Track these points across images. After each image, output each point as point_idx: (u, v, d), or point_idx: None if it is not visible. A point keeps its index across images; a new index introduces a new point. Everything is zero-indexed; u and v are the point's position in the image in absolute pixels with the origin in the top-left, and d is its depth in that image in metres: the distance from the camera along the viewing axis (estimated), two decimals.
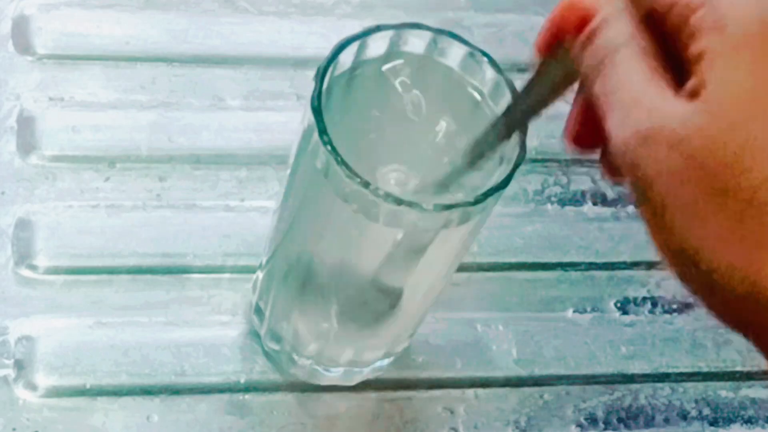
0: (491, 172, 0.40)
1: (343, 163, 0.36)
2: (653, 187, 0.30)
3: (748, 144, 0.29)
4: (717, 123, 0.30)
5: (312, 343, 0.47)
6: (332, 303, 0.45)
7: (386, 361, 0.50)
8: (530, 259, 0.56)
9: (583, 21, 0.33)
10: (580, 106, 0.35)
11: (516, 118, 0.38)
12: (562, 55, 0.34)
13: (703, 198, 0.29)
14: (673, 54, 0.32)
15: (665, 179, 0.30)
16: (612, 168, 0.36)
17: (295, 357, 0.49)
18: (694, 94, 0.30)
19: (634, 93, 0.31)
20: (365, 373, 0.50)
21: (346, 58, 0.39)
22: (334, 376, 0.49)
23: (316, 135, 0.37)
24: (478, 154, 0.39)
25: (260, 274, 0.48)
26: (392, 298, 0.45)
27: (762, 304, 0.29)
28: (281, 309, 0.47)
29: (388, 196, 0.36)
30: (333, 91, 0.38)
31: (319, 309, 0.46)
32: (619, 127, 0.31)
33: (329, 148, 0.36)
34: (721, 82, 0.30)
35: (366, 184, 0.36)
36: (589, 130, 0.35)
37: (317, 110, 0.37)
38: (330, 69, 0.38)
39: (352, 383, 0.50)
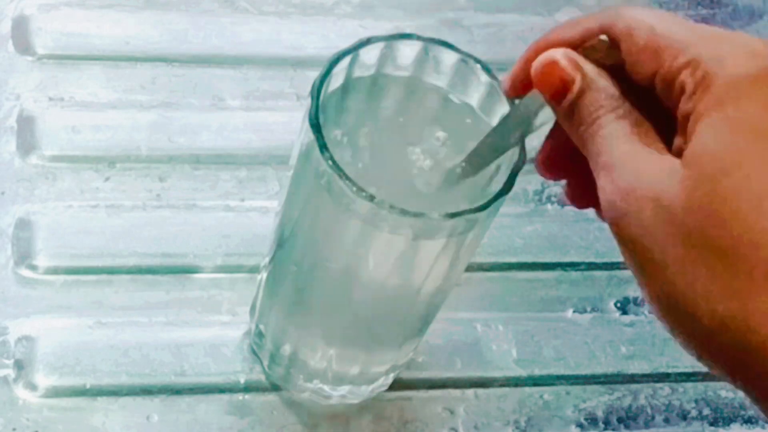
0: (489, 178, 0.40)
1: (346, 177, 0.36)
2: (637, 243, 0.30)
3: (725, 197, 0.29)
4: (695, 177, 0.30)
5: (317, 362, 0.47)
6: (335, 320, 0.45)
7: (391, 376, 0.50)
8: (530, 259, 0.56)
9: (562, 89, 0.33)
10: (552, 141, 0.36)
11: (483, 156, 0.39)
12: (535, 101, 0.35)
13: (685, 252, 0.29)
14: (664, 117, 0.32)
15: (648, 235, 0.30)
16: (580, 197, 0.37)
17: (300, 378, 0.49)
18: (678, 153, 0.31)
19: (620, 152, 0.31)
20: (371, 389, 0.50)
21: (339, 71, 0.39)
22: (339, 395, 0.49)
23: (316, 151, 0.37)
24: (459, 176, 0.39)
25: (259, 297, 0.48)
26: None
27: (750, 354, 0.29)
28: (283, 330, 0.47)
29: (393, 208, 0.36)
30: (326, 108, 0.38)
31: (322, 327, 0.46)
32: (604, 184, 0.31)
33: (331, 163, 0.36)
34: (702, 138, 0.30)
35: (371, 197, 0.36)
36: (557, 163, 0.36)
37: (317, 127, 0.37)
38: (324, 85, 0.38)
39: (358, 400, 0.50)
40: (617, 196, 0.31)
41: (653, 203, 0.30)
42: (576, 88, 0.33)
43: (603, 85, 0.33)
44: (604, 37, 0.33)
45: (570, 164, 0.36)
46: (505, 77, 0.37)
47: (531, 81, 0.35)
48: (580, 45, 0.34)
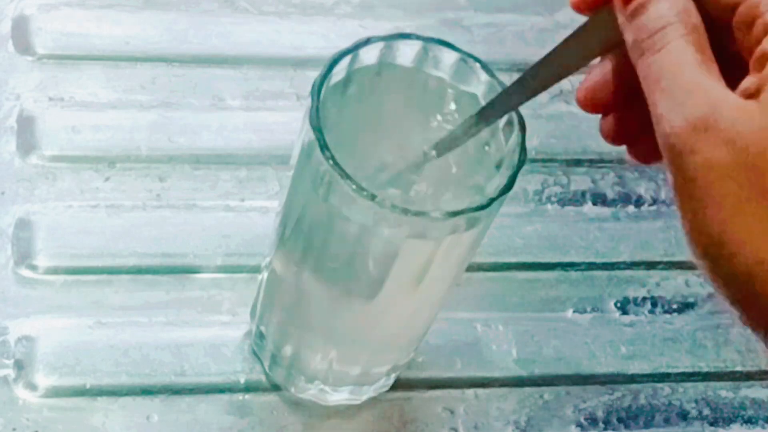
0: (489, 177, 0.40)
1: (347, 177, 0.36)
2: (699, 178, 0.30)
3: None
4: None
5: (318, 364, 0.47)
6: (336, 321, 0.45)
7: (392, 377, 0.50)
8: (530, 259, 0.56)
9: None
10: (604, 69, 0.35)
11: (544, 78, 0.36)
12: (605, 18, 0.33)
13: (749, 195, 0.29)
14: (722, 50, 0.32)
15: (714, 172, 0.30)
16: (617, 133, 0.35)
17: (301, 380, 0.49)
18: (753, 94, 0.30)
19: (688, 80, 0.30)
20: (372, 390, 0.50)
21: (339, 71, 0.39)
22: (341, 396, 0.49)
23: (317, 151, 0.37)
24: (491, 111, 0.38)
25: (260, 297, 0.48)
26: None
27: None
28: (284, 331, 0.47)
29: (394, 207, 0.36)
30: (327, 103, 0.39)
31: (323, 328, 0.46)
32: (669, 113, 0.30)
33: (332, 163, 0.36)
34: None
35: (372, 196, 0.36)
36: (601, 93, 0.35)
37: (317, 127, 0.37)
38: (325, 85, 0.38)
39: (359, 401, 0.50)
40: (686, 130, 0.30)
41: (728, 143, 0.29)
42: None
43: None
44: None
45: (615, 96, 0.35)
46: None
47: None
48: None
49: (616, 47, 0.34)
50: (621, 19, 0.32)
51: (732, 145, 0.29)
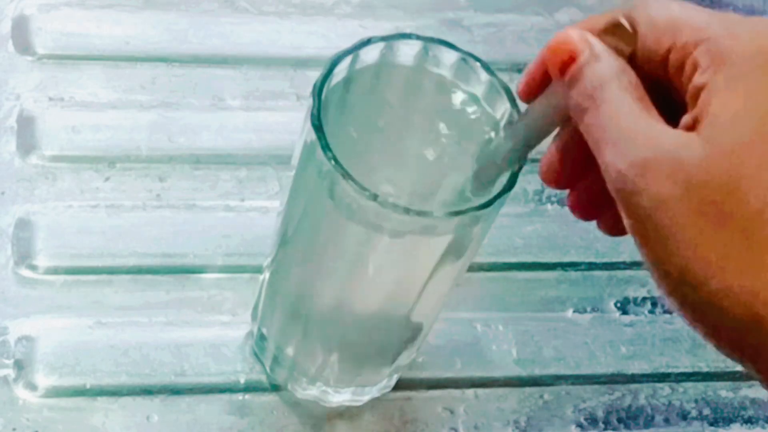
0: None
1: (349, 177, 0.36)
2: (651, 216, 0.30)
3: (744, 173, 0.29)
4: (714, 152, 0.30)
5: (319, 365, 0.47)
6: (339, 322, 0.45)
7: (394, 377, 0.50)
8: (530, 259, 0.56)
9: (569, 61, 0.33)
10: (558, 146, 0.36)
11: (501, 159, 0.38)
12: (549, 96, 0.35)
13: (702, 226, 0.30)
14: (663, 98, 0.33)
15: (664, 207, 0.30)
16: (583, 207, 0.37)
17: (303, 381, 0.48)
18: (691, 126, 0.31)
19: (629, 124, 0.31)
20: (375, 390, 0.50)
21: (340, 71, 0.39)
22: (343, 397, 0.49)
23: (319, 151, 0.37)
24: (475, 186, 0.39)
25: (261, 298, 0.48)
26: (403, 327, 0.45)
27: (760, 329, 0.29)
28: (285, 331, 0.47)
29: (396, 207, 0.36)
30: (328, 103, 0.39)
31: (325, 328, 0.46)
32: (614, 159, 0.31)
33: (334, 163, 0.36)
34: (720, 113, 0.30)
35: (374, 196, 0.36)
36: (561, 171, 0.36)
37: (318, 127, 0.37)
38: (326, 85, 0.38)
39: (361, 403, 0.50)
40: (631, 171, 0.31)
41: (672, 177, 0.30)
42: (583, 58, 0.33)
43: (610, 58, 0.33)
44: (622, 20, 0.33)
45: (575, 173, 0.36)
46: (521, 78, 0.36)
47: (545, 80, 0.35)
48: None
49: (566, 122, 0.35)
50: (562, 90, 0.33)
51: (676, 177, 0.30)
